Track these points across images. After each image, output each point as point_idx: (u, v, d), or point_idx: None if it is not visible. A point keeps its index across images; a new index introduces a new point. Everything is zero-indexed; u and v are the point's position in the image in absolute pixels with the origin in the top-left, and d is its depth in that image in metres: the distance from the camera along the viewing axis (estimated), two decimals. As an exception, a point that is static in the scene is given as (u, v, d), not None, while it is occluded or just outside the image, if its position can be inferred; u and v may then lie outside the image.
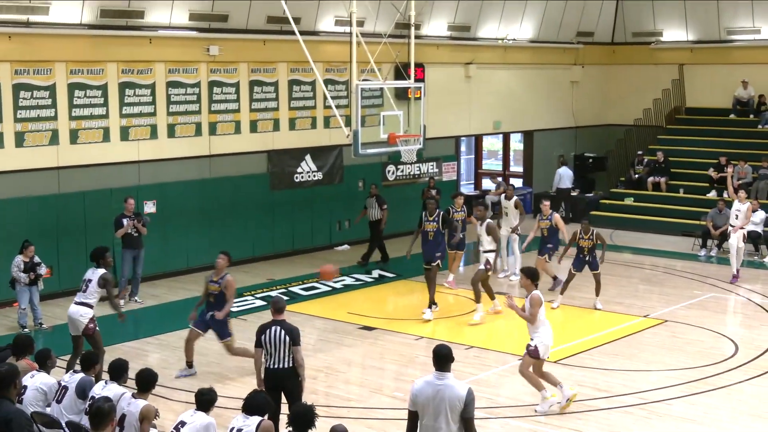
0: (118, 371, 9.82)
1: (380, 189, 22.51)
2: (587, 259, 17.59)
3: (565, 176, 27.77)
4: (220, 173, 21.05)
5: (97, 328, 13.13)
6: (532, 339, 12.32)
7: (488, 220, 17.32)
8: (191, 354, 13.78)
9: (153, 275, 19.42)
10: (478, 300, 16.70)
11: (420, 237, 17.24)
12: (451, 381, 8.09)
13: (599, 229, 18.51)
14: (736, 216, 19.92)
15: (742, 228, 19.85)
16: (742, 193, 20.35)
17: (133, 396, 9.36)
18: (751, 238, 21.31)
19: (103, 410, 7.73)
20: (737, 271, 19.77)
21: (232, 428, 8.76)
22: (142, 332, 16.29)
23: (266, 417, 8.90)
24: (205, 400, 9.19)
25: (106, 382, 9.70)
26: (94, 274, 13.11)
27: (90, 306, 12.99)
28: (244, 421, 8.78)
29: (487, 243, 17.00)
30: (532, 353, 12.25)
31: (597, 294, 17.67)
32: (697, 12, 29.21)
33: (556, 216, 19.04)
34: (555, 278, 18.92)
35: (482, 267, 16.87)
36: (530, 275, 12.29)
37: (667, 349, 15.25)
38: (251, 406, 8.88)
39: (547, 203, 19.28)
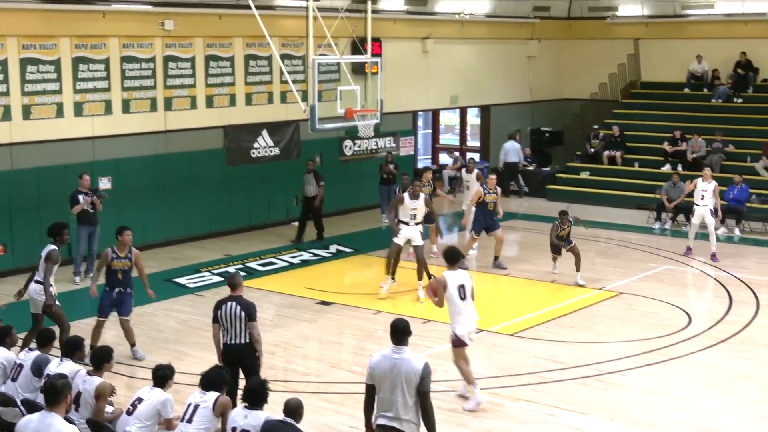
0: (73, 348, 9.75)
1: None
2: (570, 243, 17.61)
3: (511, 150, 27.86)
4: (176, 149, 20.89)
5: (58, 303, 13.00)
6: (453, 328, 11.68)
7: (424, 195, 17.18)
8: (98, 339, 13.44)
9: (109, 252, 19.25)
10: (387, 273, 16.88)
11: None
12: (407, 355, 8.14)
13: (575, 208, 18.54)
14: (702, 196, 19.53)
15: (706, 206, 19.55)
16: (707, 171, 20.03)
17: (89, 374, 9.31)
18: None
19: (56, 387, 7.66)
20: (711, 254, 19.38)
21: (189, 404, 8.77)
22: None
23: (223, 393, 8.91)
24: (162, 376, 9.17)
25: (61, 360, 9.64)
26: (45, 250, 12.99)
27: (42, 283, 12.85)
28: (201, 396, 8.78)
29: (420, 216, 16.95)
30: (454, 343, 11.76)
31: (578, 269, 17.56)
32: (652, -14, 29.41)
33: (499, 190, 18.91)
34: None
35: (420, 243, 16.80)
36: (445, 256, 11.57)
37: (623, 321, 15.43)
38: (208, 382, 8.89)
39: (494, 177, 19.00)
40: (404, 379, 8.03)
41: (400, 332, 8.24)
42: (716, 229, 20.14)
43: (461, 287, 11.41)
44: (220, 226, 21.78)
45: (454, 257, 11.43)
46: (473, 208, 18.79)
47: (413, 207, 16.69)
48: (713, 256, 19.28)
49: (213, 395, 8.76)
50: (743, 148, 25.80)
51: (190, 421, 8.66)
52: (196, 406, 8.70)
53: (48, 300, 12.82)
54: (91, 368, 9.43)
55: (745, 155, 25.49)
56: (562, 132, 30.66)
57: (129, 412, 8.99)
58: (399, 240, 16.65)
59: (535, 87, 30.68)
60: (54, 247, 12.99)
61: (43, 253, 12.95)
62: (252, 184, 22.37)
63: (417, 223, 16.81)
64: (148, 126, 20.35)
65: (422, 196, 16.89)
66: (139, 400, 9.00)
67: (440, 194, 20.59)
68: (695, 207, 19.76)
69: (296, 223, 21.65)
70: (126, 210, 19.72)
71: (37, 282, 12.92)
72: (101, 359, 9.51)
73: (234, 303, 10.57)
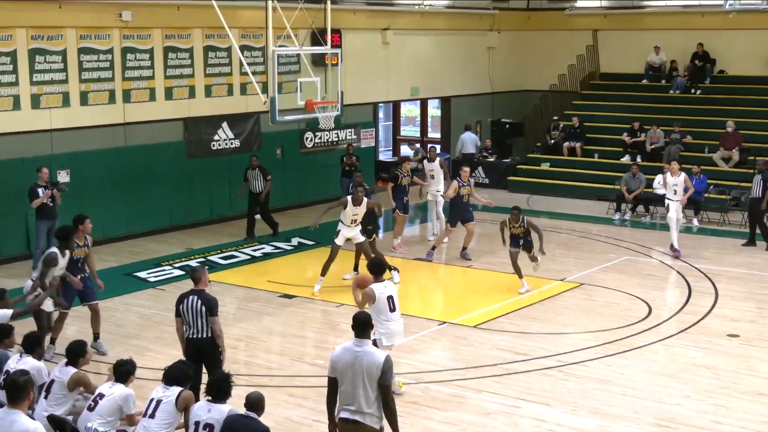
0: (33, 344, 9.66)
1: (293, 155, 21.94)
2: (521, 242, 16.79)
3: (467, 141, 28.01)
4: (135, 141, 20.70)
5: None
6: (378, 338, 11.18)
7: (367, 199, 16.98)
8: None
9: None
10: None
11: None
12: (369, 348, 8.14)
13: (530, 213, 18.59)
14: (675, 191, 19.19)
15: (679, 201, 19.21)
16: (674, 165, 19.51)
17: (66, 365, 9.33)
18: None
19: (18, 383, 7.55)
20: (676, 245, 19.15)
21: (152, 399, 8.71)
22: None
23: (186, 387, 8.86)
24: (124, 371, 9.12)
25: (21, 355, 9.54)
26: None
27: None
28: (164, 391, 8.72)
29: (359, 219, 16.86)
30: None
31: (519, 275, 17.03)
32: (610, -22, 29.61)
33: (472, 182, 19.17)
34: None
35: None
36: (370, 269, 11.43)
37: (584, 311, 15.53)
38: (171, 377, 8.83)
39: (467, 169, 19.18)
40: (366, 373, 8.02)
41: (361, 325, 8.23)
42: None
43: (390, 298, 11.27)
44: (180, 220, 21.63)
45: (379, 269, 11.30)
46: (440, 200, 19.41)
47: (355, 213, 16.57)
48: (673, 248, 19.29)
49: (176, 390, 8.70)
50: (701, 139, 26.04)
51: (152, 416, 8.61)
52: (159, 401, 8.64)
53: (32, 302, 12.29)
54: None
55: (703, 146, 25.72)
56: (522, 123, 30.80)
57: (90, 408, 8.92)
58: (339, 241, 16.65)
59: (495, 78, 30.76)
60: (54, 250, 12.63)
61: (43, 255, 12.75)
62: (213, 177, 22.22)
63: (356, 226, 16.79)
64: (107, 118, 20.14)
65: (365, 201, 16.60)
66: (101, 395, 8.93)
67: (418, 181, 20.82)
68: (668, 202, 19.36)
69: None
70: (85, 203, 19.45)
71: (33, 280, 12.63)
72: (76, 354, 9.44)
73: (195, 297, 10.48)
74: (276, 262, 19.08)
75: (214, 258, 19.05)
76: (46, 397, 9.18)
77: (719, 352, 13.58)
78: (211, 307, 10.45)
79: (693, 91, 28.13)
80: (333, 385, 8.26)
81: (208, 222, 22.19)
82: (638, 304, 15.84)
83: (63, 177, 19.13)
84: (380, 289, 11.12)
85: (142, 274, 17.80)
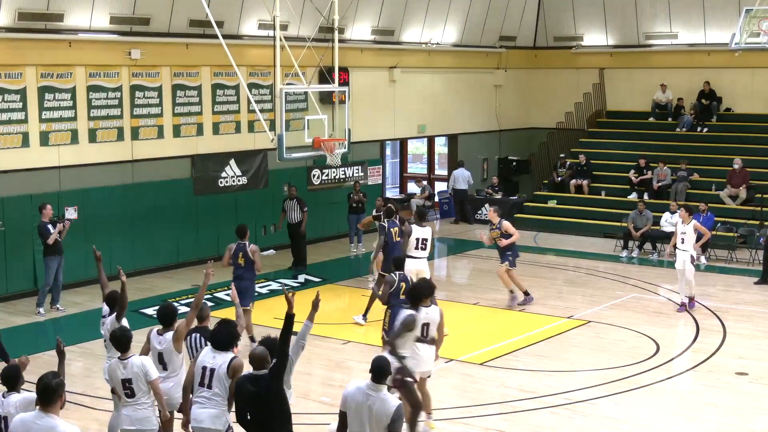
0: (12, 380, 9.18)
1: (301, 192, 22.29)
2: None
3: (459, 177, 28.12)
4: (143, 178, 20.78)
5: None
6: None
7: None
8: None
9: (75, 282, 19.09)
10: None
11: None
12: (382, 395, 8.12)
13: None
14: (682, 240, 17.75)
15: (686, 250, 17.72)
16: (683, 213, 18.02)
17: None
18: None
19: (50, 386, 7.50)
20: (688, 299, 17.94)
21: (204, 367, 9.09)
22: (65, 340, 15.89)
23: (234, 347, 9.32)
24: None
25: (3, 396, 9.06)
26: None
27: None
28: (213, 358, 9.11)
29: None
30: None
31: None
32: (616, 17, 29.75)
33: (506, 223, 17.86)
34: (512, 292, 18.21)
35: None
36: (411, 295, 11.48)
37: (591, 349, 15.46)
38: (217, 341, 9.22)
39: (493, 210, 18.10)
40: (375, 418, 8.03)
41: (379, 371, 8.22)
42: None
43: (425, 326, 11.28)
44: (187, 256, 21.65)
45: (419, 295, 11.29)
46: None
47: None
48: (687, 304, 17.86)
49: (226, 357, 9.14)
50: (708, 176, 26.05)
51: (209, 386, 9.10)
52: (213, 370, 9.05)
53: None
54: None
55: (710, 184, 25.73)
56: (529, 161, 30.88)
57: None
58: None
59: (502, 116, 30.86)
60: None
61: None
62: (220, 214, 22.26)
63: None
64: (115, 155, 20.23)
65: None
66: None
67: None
68: (677, 251, 17.98)
69: (269, 252, 22.03)
70: (92, 240, 19.42)
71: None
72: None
73: (199, 335, 10.50)
74: (282, 299, 18.91)
75: (221, 295, 19.02)
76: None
77: (728, 390, 13.50)
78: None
79: (699, 129, 28.17)
80: (343, 418, 8.26)
81: (215, 259, 22.01)
82: (646, 341, 15.77)
83: (71, 214, 19.18)
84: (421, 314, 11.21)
85: (149, 311, 17.77)
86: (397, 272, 14.20)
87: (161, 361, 10.12)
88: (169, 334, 10.10)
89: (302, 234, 21.37)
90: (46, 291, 17.73)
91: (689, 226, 17.75)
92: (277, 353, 8.52)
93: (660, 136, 28.48)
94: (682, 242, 17.82)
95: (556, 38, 31.01)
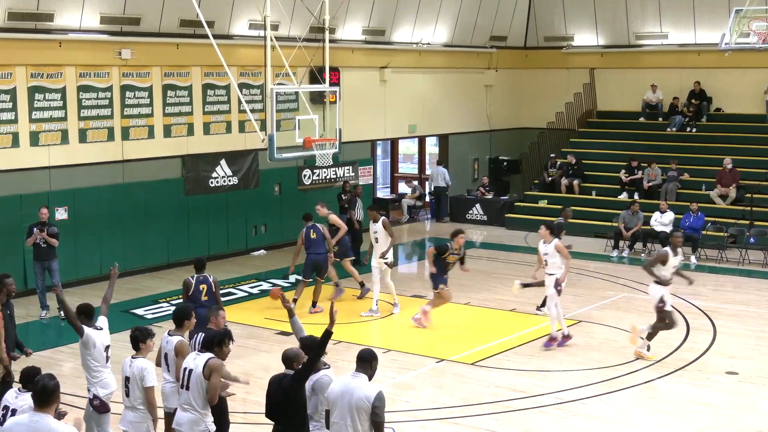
0: (31, 379, 9.43)
1: (291, 192, 22.35)
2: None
3: (437, 175, 28.38)
4: (133, 178, 20.74)
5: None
6: None
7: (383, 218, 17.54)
8: None
9: (66, 283, 18.91)
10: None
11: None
12: (362, 381, 8.05)
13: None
14: (546, 262, 15.47)
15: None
16: (544, 231, 15.45)
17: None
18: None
19: (47, 388, 7.46)
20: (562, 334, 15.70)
21: (185, 368, 9.18)
22: (56, 341, 15.96)
23: (220, 348, 9.30)
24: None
25: (19, 390, 9.31)
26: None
27: None
28: (195, 359, 9.18)
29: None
30: None
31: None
32: (606, 17, 29.82)
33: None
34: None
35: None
36: None
37: (582, 349, 15.47)
38: (204, 341, 9.44)
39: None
40: (355, 406, 7.90)
41: (361, 360, 8.18)
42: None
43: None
44: (178, 257, 21.60)
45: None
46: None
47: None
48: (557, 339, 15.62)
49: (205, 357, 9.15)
50: (698, 176, 26.12)
51: (187, 387, 9.12)
52: (191, 371, 9.08)
53: None
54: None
55: (701, 184, 25.79)
56: (519, 161, 30.92)
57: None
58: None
59: (493, 116, 30.89)
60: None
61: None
62: (210, 214, 22.25)
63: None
64: (106, 156, 20.20)
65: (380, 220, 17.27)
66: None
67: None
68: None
69: (260, 252, 22.25)
70: (83, 240, 19.54)
71: None
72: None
73: (202, 335, 10.47)
74: (273, 299, 18.97)
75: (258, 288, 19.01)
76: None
77: (718, 389, 13.53)
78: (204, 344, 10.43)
79: (689, 129, 28.24)
80: (327, 416, 8.22)
81: (206, 259, 22.07)
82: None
83: (61, 214, 19.14)
84: None
85: (140, 311, 17.76)
86: None
87: (166, 362, 10.17)
88: (176, 338, 10.10)
89: (356, 230, 21.67)
90: (40, 293, 17.44)
91: (550, 246, 15.35)
92: (307, 360, 8.46)
93: (650, 136, 28.54)
94: (546, 264, 15.52)
95: (547, 38, 31.05)
